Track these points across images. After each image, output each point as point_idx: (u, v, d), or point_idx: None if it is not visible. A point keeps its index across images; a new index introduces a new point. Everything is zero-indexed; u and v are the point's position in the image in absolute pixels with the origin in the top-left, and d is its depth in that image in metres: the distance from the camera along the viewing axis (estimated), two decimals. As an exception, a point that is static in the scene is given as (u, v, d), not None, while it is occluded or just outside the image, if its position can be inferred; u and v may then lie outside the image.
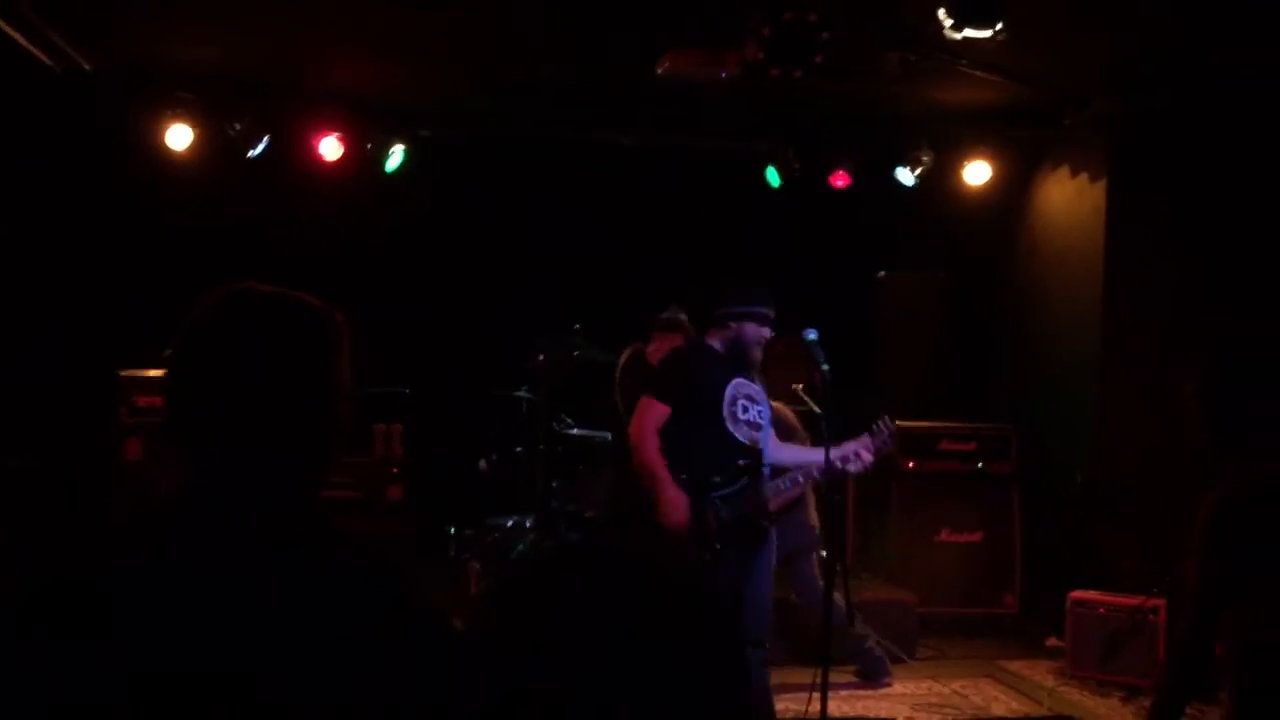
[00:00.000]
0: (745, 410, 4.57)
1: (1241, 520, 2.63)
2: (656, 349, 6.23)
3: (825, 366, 4.52)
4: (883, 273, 8.07)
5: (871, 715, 5.60)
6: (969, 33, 4.66)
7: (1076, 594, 6.31)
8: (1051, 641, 6.72)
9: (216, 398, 1.54)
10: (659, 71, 5.81)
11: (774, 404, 5.17)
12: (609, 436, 7.03)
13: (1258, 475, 2.65)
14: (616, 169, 8.03)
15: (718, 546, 4.36)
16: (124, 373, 6.87)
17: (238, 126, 7.04)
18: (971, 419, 7.50)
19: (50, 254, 7.09)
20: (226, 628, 1.43)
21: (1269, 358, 2.74)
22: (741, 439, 4.52)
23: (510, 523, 7.33)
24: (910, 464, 7.26)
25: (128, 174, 7.33)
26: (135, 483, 6.65)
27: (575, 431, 7.30)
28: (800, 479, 4.75)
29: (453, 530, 7.55)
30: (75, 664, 1.40)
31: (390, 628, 1.50)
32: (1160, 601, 5.95)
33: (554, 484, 7.24)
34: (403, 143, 7.51)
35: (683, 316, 6.20)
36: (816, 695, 4.34)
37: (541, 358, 7.27)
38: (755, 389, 4.68)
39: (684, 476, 4.47)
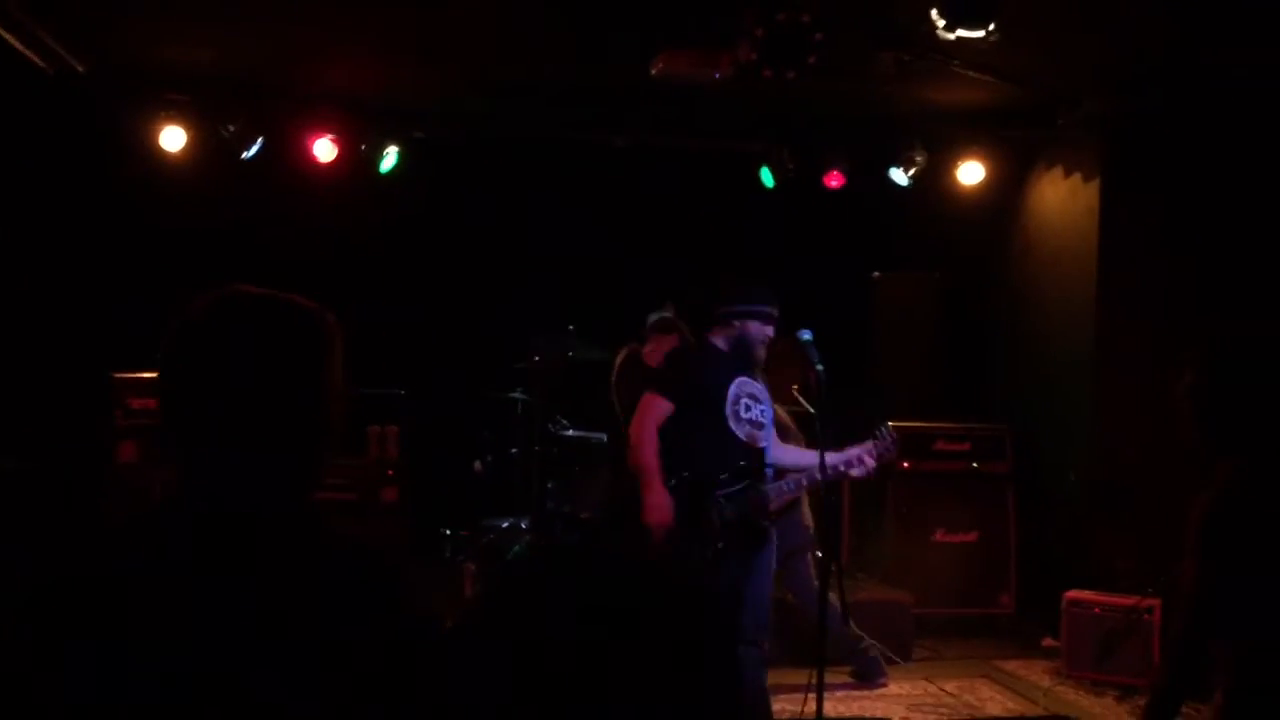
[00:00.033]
0: (748, 409, 4.57)
1: (1236, 520, 2.63)
2: (652, 350, 6.23)
3: (820, 367, 4.52)
4: (877, 273, 8.08)
5: (867, 715, 5.60)
6: (961, 33, 4.67)
7: (1072, 594, 6.32)
8: (1047, 641, 6.73)
9: (209, 399, 1.54)
10: (653, 72, 5.81)
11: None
12: (604, 438, 7.03)
13: (1251, 474, 2.66)
14: (611, 170, 8.03)
15: (719, 545, 4.36)
16: (118, 375, 6.86)
17: (231, 128, 7.04)
18: (966, 419, 7.51)
19: (44, 256, 7.07)
20: (222, 628, 1.43)
21: (1261, 357, 2.74)
22: (743, 438, 4.52)
23: (506, 524, 7.32)
24: (905, 464, 7.26)
25: (122, 176, 7.32)
26: (130, 485, 6.64)
27: (570, 433, 7.29)
28: (803, 481, 4.74)
29: (448, 532, 7.53)
30: (72, 664, 1.40)
31: (386, 629, 1.50)
32: (1155, 601, 5.95)
33: (549, 485, 7.22)
34: (397, 144, 7.50)
35: (668, 315, 6.21)
36: (812, 696, 4.34)
37: (537, 359, 7.26)
38: (758, 388, 4.68)
39: (685, 474, 4.46)
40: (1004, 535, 7.28)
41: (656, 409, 4.55)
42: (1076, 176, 7.18)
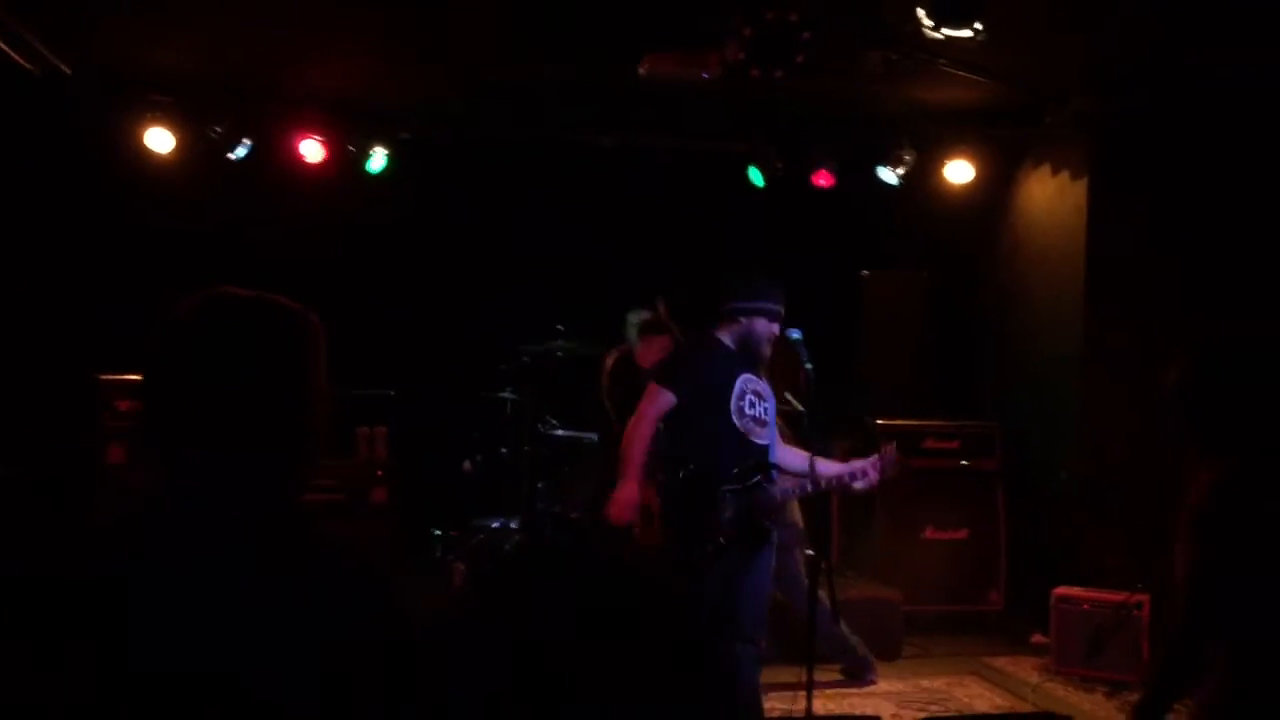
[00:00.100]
0: (752, 406, 4.56)
1: (1228, 518, 2.63)
2: (644, 351, 6.23)
3: (809, 365, 4.52)
4: (866, 272, 8.09)
5: (857, 713, 5.61)
6: (948, 32, 4.68)
7: (1061, 590, 6.33)
8: (1036, 638, 6.75)
9: (193, 400, 1.54)
10: (640, 72, 5.81)
11: None
12: (595, 437, 7.03)
13: (1241, 473, 2.66)
14: (599, 170, 8.03)
15: (720, 541, 4.36)
16: (105, 377, 6.84)
17: (218, 129, 7.02)
18: (955, 417, 7.53)
19: (30, 258, 7.06)
20: (208, 629, 1.43)
21: (1247, 356, 2.75)
22: (747, 434, 4.52)
23: (495, 524, 7.32)
24: (888, 449, 7.26)
25: (109, 177, 7.31)
26: (118, 487, 6.62)
27: (560, 433, 7.29)
28: (807, 486, 4.72)
29: (438, 532, 7.53)
30: (59, 665, 1.40)
31: (375, 630, 1.50)
32: (1144, 597, 5.98)
33: (539, 485, 7.23)
34: (384, 145, 7.49)
35: (647, 315, 6.21)
36: (802, 693, 4.35)
37: (525, 359, 7.26)
38: (763, 385, 4.67)
39: (692, 467, 4.45)
40: (993, 532, 7.30)
41: (660, 402, 4.53)
42: (1064, 175, 7.20)
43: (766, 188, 7.92)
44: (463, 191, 8.06)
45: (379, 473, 7.23)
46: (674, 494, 4.52)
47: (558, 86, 7.01)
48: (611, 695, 1.17)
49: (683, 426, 4.56)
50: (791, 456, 4.77)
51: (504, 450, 7.57)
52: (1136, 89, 6.39)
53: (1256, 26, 5.40)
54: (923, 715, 5.68)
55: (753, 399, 4.57)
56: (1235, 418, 2.71)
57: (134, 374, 6.73)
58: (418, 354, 7.84)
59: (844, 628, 5.92)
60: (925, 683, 6.22)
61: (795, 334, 4.60)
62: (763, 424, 4.59)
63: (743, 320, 4.62)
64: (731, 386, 4.53)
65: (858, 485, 4.70)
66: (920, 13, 4.69)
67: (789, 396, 6.34)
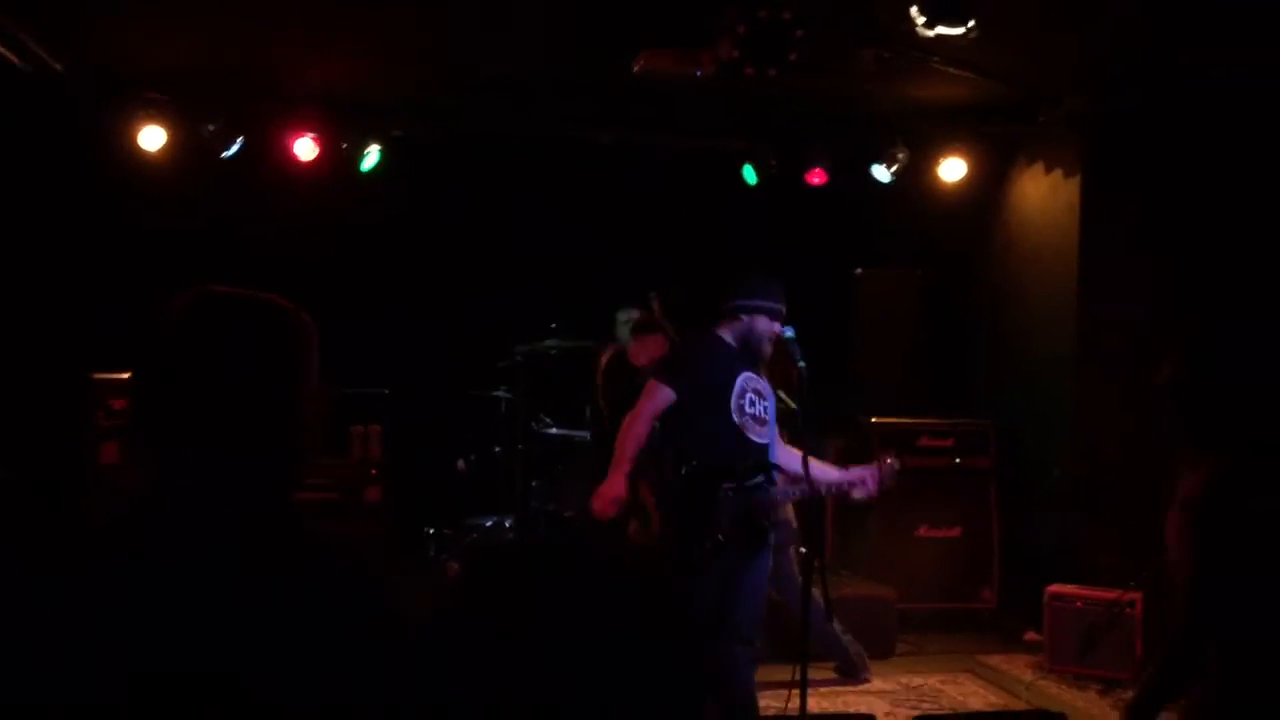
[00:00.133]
0: (752, 404, 4.55)
1: (1226, 518, 2.63)
2: (638, 350, 6.23)
3: (802, 364, 4.52)
4: (859, 270, 8.09)
5: (851, 711, 5.61)
6: (941, 30, 4.68)
7: (1054, 588, 6.34)
8: (1029, 635, 6.76)
9: (184, 399, 1.54)
10: (635, 70, 5.81)
11: None
12: (588, 436, 7.03)
13: (1236, 471, 2.66)
14: (593, 168, 8.03)
15: (720, 538, 4.35)
16: (98, 376, 6.82)
17: (211, 127, 7.01)
18: (949, 415, 7.53)
19: (23, 257, 7.03)
20: (203, 629, 1.43)
21: (1239, 354, 2.75)
22: (747, 432, 4.51)
23: (489, 523, 7.32)
24: (888, 460, 7.27)
25: (101, 175, 7.28)
26: (112, 486, 6.61)
27: (554, 431, 7.29)
28: (805, 490, 4.71)
29: (432, 531, 7.53)
30: (53, 666, 1.40)
31: (369, 629, 1.50)
32: (1137, 595, 5.99)
33: (533, 484, 7.23)
34: (378, 142, 7.49)
35: (635, 314, 6.20)
36: (796, 692, 4.34)
37: (519, 357, 7.26)
38: (763, 384, 4.65)
39: (695, 463, 4.44)
40: (987, 530, 7.31)
41: (659, 398, 4.52)
42: (1057, 173, 7.21)
43: (760, 186, 7.93)
44: (456, 189, 8.05)
45: (373, 471, 7.23)
46: (675, 491, 4.50)
47: (552, 83, 7.01)
48: (606, 694, 1.17)
49: (682, 423, 4.55)
50: (790, 457, 4.76)
51: (498, 449, 7.57)
52: (1129, 88, 6.40)
53: (1248, 26, 5.41)
54: (916, 713, 5.68)
55: (753, 397, 4.56)
56: (1227, 416, 2.71)
57: (127, 373, 6.71)
58: (411, 352, 7.83)
59: (837, 626, 5.92)
60: (919, 680, 6.23)
61: (788, 332, 4.60)
62: (762, 423, 4.58)
63: (744, 318, 4.61)
64: (732, 384, 4.51)
65: (856, 494, 4.71)
66: (913, 11, 4.69)
67: (782, 395, 6.35)
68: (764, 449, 4.58)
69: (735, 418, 4.49)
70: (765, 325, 4.60)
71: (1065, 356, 6.99)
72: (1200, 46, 5.71)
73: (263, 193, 7.55)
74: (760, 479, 4.49)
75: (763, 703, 4.79)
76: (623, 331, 6.60)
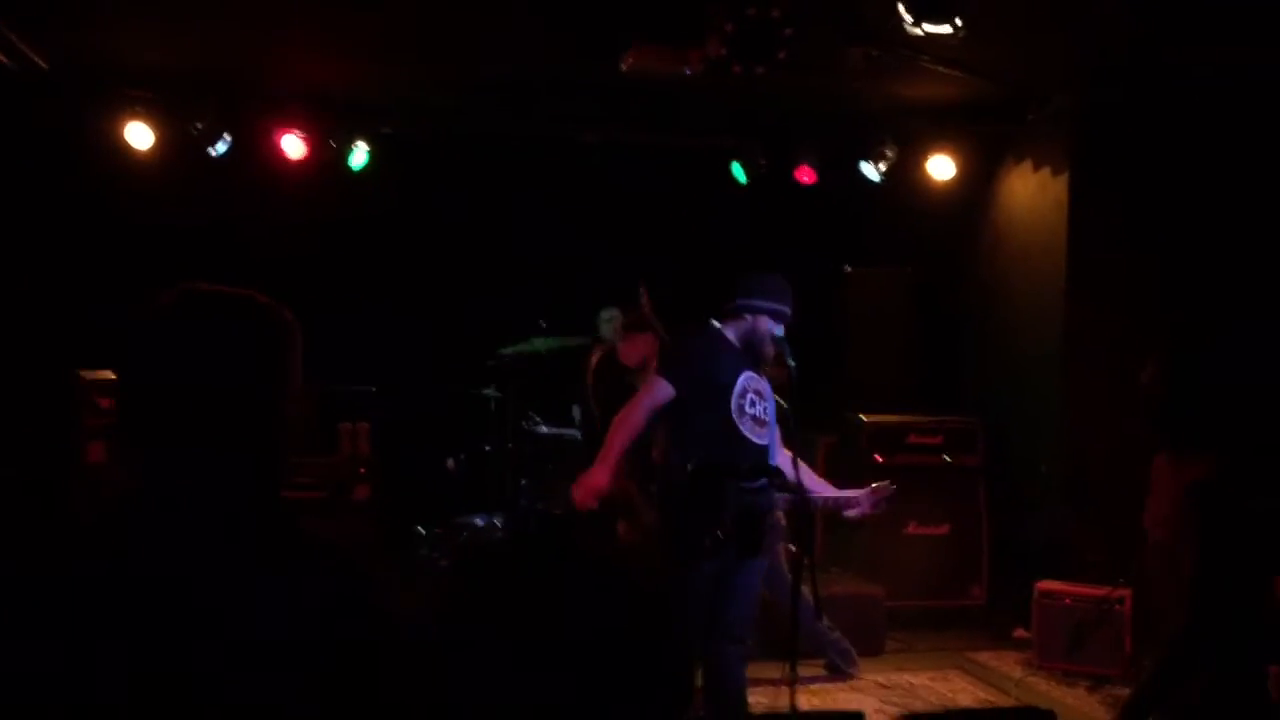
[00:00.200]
0: (753, 404, 4.54)
1: (1232, 518, 2.63)
2: (627, 349, 6.23)
3: (792, 362, 4.52)
4: (848, 268, 8.10)
5: (840, 708, 5.62)
6: (928, 28, 4.69)
7: (1043, 585, 6.36)
8: (1019, 632, 6.78)
9: (167, 398, 1.53)
10: (623, 68, 5.81)
11: None
12: (578, 435, 7.03)
13: (1229, 471, 2.67)
14: (582, 166, 8.02)
15: (719, 534, 4.34)
16: (85, 374, 6.80)
17: (199, 125, 6.99)
18: (938, 413, 7.55)
19: (9, 255, 7.01)
20: (191, 629, 1.42)
21: (1221, 355, 2.76)
22: (746, 432, 4.50)
23: (479, 521, 7.31)
24: (878, 458, 7.30)
25: (88, 174, 7.26)
26: (99, 485, 6.58)
27: (544, 429, 7.29)
28: (798, 499, 4.70)
29: (421, 529, 7.51)
30: (40, 666, 1.39)
31: (357, 628, 1.50)
32: (1126, 592, 6.01)
33: (522, 482, 7.22)
34: (366, 140, 7.47)
35: (616, 312, 6.20)
36: (786, 688, 4.35)
37: (508, 355, 7.25)
38: (764, 385, 4.63)
39: (699, 458, 4.42)
40: (975, 528, 7.33)
41: (658, 393, 4.50)
42: (1045, 171, 7.22)
43: (750, 184, 7.93)
44: (445, 187, 8.04)
45: (361, 469, 7.21)
46: (678, 486, 4.48)
47: (540, 82, 7.00)
48: (594, 692, 1.17)
49: (682, 419, 4.54)
50: (786, 461, 4.75)
51: (487, 447, 7.55)
52: (1116, 86, 6.42)
53: (1232, 24, 5.43)
54: (905, 710, 5.69)
55: (753, 398, 4.55)
56: (1211, 416, 2.71)
57: (113, 371, 6.68)
58: (400, 350, 7.82)
59: (825, 622, 5.93)
60: (908, 678, 6.24)
61: (778, 331, 4.59)
62: (762, 423, 4.57)
63: (748, 317, 4.59)
64: (734, 383, 4.50)
65: (848, 514, 4.70)
66: (901, 9, 4.70)
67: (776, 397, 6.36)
68: (763, 450, 4.56)
69: (735, 417, 4.47)
70: (769, 327, 4.59)
71: (1053, 354, 7.01)
72: (1185, 45, 5.73)
73: (251, 190, 7.53)
74: (764, 482, 4.48)
75: (752, 699, 4.80)
76: (605, 330, 6.60)
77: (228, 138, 7.11)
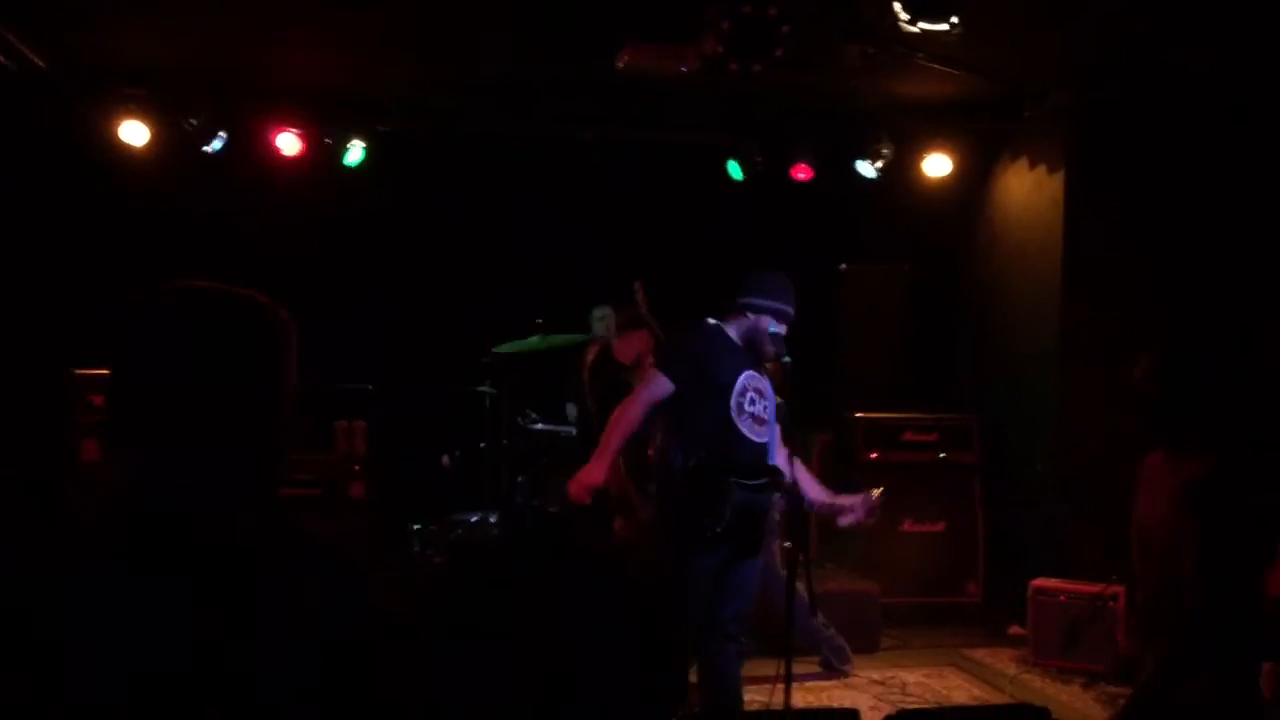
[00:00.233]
0: (753, 403, 4.53)
1: (1232, 515, 2.63)
2: (622, 346, 6.22)
3: (787, 359, 4.52)
4: (844, 265, 8.10)
5: (835, 705, 5.63)
6: (924, 26, 4.69)
7: (1038, 582, 6.37)
8: (1014, 629, 6.79)
9: (160, 397, 1.52)
10: (619, 65, 5.80)
11: None
12: (574, 431, 7.02)
13: (1226, 469, 2.67)
14: (578, 163, 8.01)
15: (717, 530, 4.34)
16: (80, 371, 6.79)
17: (194, 122, 6.98)
18: (934, 410, 7.55)
19: (3, 252, 6.99)
20: (187, 628, 1.42)
21: (1216, 353, 2.76)
22: (744, 430, 4.50)
23: (474, 518, 7.30)
24: (874, 455, 7.31)
25: (83, 171, 7.25)
26: (93, 483, 6.58)
27: (539, 426, 7.28)
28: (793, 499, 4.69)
29: (416, 527, 7.50)
30: (45, 666, 1.39)
31: (353, 626, 1.50)
32: (1120, 589, 6.01)
33: (518, 479, 7.21)
34: (362, 138, 7.46)
35: (609, 311, 6.19)
36: (780, 685, 4.35)
37: (504, 352, 7.24)
38: (764, 383, 4.62)
39: (703, 454, 4.42)
40: (971, 525, 7.34)
41: (657, 388, 4.49)
42: (1041, 169, 7.23)
43: (746, 181, 7.93)
44: (441, 184, 8.04)
45: (357, 467, 7.21)
46: (679, 482, 4.47)
47: (537, 80, 6.99)
48: (589, 687, 1.17)
49: (681, 415, 4.53)
50: (784, 460, 4.74)
51: (483, 444, 7.55)
52: (1113, 84, 6.42)
53: (1230, 21, 5.43)
54: (900, 707, 5.70)
55: (754, 396, 4.54)
56: (1209, 414, 2.71)
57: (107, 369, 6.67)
58: (396, 348, 7.82)
59: (820, 619, 5.93)
60: (903, 674, 6.25)
61: (774, 328, 4.59)
62: (761, 422, 4.56)
63: (750, 316, 4.59)
64: (734, 381, 4.50)
65: (841, 520, 4.70)
66: (897, 7, 4.70)
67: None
68: (761, 448, 4.56)
69: (733, 414, 4.47)
70: (769, 326, 4.59)
71: (1049, 352, 7.02)
72: (1184, 42, 5.73)
73: (246, 188, 7.52)
74: (765, 481, 4.48)
75: (747, 697, 4.80)
76: (598, 328, 6.60)
77: (223, 135, 7.10)
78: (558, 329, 6.90)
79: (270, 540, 1.54)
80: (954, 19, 4.66)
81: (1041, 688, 6.05)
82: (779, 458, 4.64)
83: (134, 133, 6.98)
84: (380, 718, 1.48)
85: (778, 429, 4.70)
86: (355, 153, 7.46)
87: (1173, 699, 2.71)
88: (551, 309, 7.11)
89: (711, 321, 4.65)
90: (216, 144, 7.09)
